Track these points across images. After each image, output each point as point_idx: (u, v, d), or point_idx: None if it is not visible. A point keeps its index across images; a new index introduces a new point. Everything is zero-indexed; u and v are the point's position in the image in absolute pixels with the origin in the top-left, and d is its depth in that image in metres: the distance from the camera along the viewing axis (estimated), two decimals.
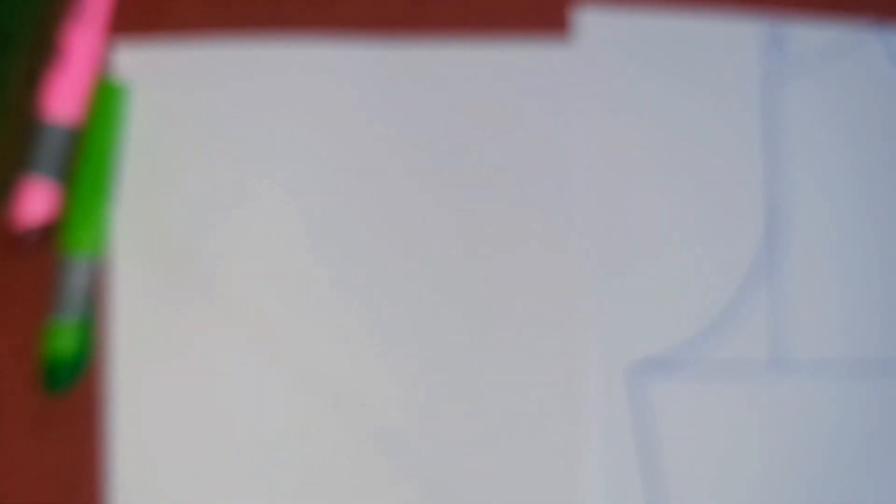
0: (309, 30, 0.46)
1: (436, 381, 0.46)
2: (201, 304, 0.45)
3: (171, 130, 0.46)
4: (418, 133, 0.47)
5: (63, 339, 0.42)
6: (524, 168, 0.47)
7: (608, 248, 0.47)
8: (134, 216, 0.45)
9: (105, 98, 0.44)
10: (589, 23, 0.48)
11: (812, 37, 0.49)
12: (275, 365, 0.45)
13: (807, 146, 0.48)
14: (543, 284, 0.47)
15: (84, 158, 0.43)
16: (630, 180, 0.48)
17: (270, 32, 0.46)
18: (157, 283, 0.45)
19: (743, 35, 0.48)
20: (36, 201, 0.40)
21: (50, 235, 0.40)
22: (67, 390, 0.44)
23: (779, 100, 0.48)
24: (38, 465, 0.44)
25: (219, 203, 0.46)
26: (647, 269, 0.47)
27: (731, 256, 0.48)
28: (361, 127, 0.46)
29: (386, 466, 0.45)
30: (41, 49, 0.44)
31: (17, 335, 0.44)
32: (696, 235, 0.47)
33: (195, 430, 0.45)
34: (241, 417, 0.45)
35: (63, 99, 0.43)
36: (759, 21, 0.48)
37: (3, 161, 0.44)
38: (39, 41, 0.44)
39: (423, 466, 0.45)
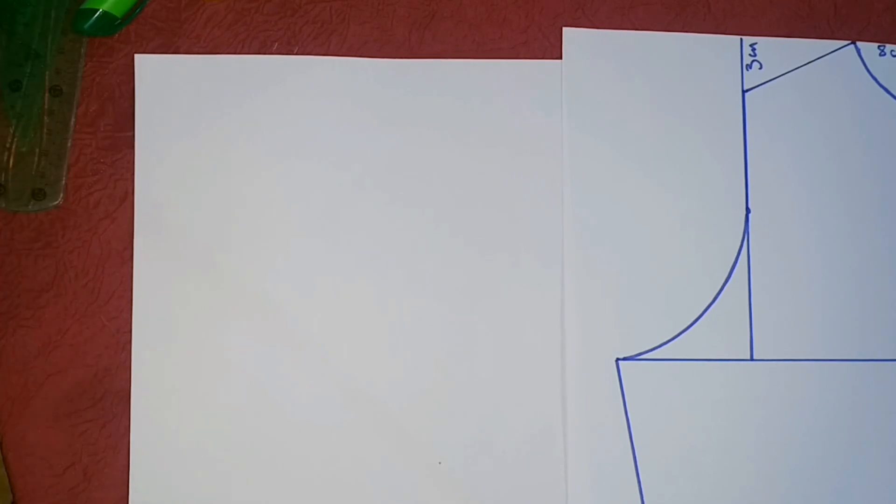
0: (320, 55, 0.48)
1: (436, 371, 0.47)
2: (218, 297, 0.46)
3: (187, 133, 0.47)
4: (422, 138, 0.48)
5: None
6: (518, 176, 0.48)
7: (596, 251, 0.47)
8: (152, 212, 0.46)
9: None
10: (575, 40, 0.49)
11: (790, 51, 0.50)
12: (286, 354, 0.46)
13: (786, 154, 0.49)
14: (534, 281, 0.47)
15: None
16: (616, 187, 0.48)
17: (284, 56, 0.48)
18: (176, 277, 0.46)
19: (721, 49, 0.49)
20: None
21: None
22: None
23: (757, 110, 0.49)
24: (63, 452, 0.45)
25: (234, 200, 0.46)
26: (633, 272, 0.48)
27: (713, 259, 0.48)
28: (371, 130, 0.47)
29: (388, 446, 0.46)
30: None
31: (47, 333, 0.45)
32: (680, 239, 0.48)
33: (210, 417, 0.45)
34: (256, 403, 0.46)
35: None
36: (736, 37, 0.50)
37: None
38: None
39: (423, 446, 0.46)
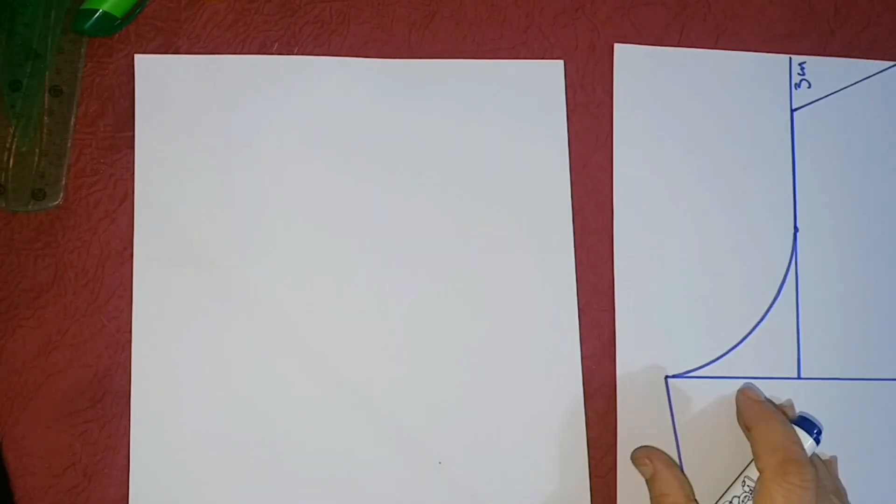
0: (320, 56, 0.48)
1: (436, 371, 0.46)
2: (217, 297, 0.46)
3: (187, 134, 0.46)
4: (422, 138, 0.48)
5: None
6: (518, 175, 0.48)
7: (645, 270, 0.47)
8: (152, 212, 0.46)
9: None
10: (626, 56, 0.49)
11: (838, 70, 0.50)
12: (286, 353, 0.46)
13: (834, 173, 0.49)
14: (534, 281, 0.47)
15: None
16: (664, 205, 0.48)
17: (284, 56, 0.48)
18: (176, 277, 0.45)
19: (770, 68, 0.49)
20: None
21: None
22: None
23: (806, 129, 0.49)
24: (63, 452, 0.45)
25: (234, 200, 0.46)
26: (682, 290, 0.47)
27: (762, 277, 0.48)
28: (371, 130, 0.47)
29: (388, 446, 0.46)
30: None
31: (47, 333, 0.45)
32: (729, 257, 0.48)
33: (210, 418, 0.45)
34: (255, 403, 0.45)
35: None
36: (785, 56, 0.50)
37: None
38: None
39: (423, 446, 0.46)
